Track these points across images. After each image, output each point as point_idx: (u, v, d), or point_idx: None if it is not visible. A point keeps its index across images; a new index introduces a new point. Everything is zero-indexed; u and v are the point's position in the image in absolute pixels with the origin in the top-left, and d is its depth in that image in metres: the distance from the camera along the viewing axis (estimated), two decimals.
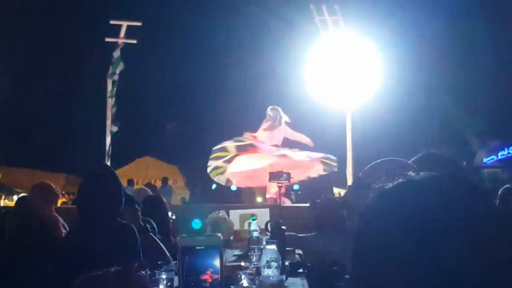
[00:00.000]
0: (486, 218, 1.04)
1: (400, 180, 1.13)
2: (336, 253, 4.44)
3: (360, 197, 1.52)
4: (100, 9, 23.28)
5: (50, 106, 27.67)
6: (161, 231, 5.34)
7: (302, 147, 12.92)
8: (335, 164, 12.82)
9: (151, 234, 4.72)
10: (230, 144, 12.87)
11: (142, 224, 4.77)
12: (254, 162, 12.51)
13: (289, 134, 13.01)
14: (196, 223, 6.20)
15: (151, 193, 7.57)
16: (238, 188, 13.31)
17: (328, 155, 12.86)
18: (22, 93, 24.48)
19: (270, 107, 13.21)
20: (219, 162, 12.85)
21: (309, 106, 16.10)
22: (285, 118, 13.07)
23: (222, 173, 12.85)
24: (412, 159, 2.80)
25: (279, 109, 13.14)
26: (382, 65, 15.01)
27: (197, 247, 3.19)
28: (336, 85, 14.79)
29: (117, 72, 16.02)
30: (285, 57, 19.64)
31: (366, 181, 2.06)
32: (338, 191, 18.38)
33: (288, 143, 12.94)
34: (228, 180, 12.94)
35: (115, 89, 16.07)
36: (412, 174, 1.15)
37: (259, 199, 14.11)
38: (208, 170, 13.02)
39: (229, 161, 12.79)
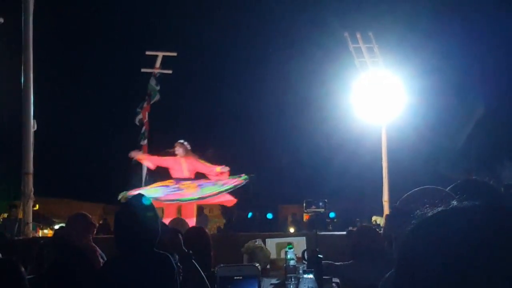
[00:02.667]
0: None
1: (442, 208, 1.11)
2: (373, 282, 4.39)
3: (398, 227, 1.51)
4: (136, 40, 23.61)
5: (87, 136, 28.00)
6: (203, 261, 5.32)
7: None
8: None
9: (193, 261, 4.69)
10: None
11: (186, 250, 4.73)
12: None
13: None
14: None
15: (188, 224, 7.56)
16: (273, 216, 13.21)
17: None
18: (60, 124, 24.83)
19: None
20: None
21: (344, 132, 16.06)
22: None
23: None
24: (451, 186, 2.76)
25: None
26: (418, 90, 14.96)
27: (235, 277, 3.18)
28: (371, 105, 14.77)
29: (151, 102, 16.19)
30: (320, 84, 19.69)
31: (404, 210, 2.03)
32: (375, 219, 18.26)
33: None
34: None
35: (139, 116, 16.21)
36: (455, 202, 1.13)
37: (291, 230, 14.06)
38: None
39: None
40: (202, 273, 4.72)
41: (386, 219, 2.34)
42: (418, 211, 1.16)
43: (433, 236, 1.07)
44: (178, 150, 12.52)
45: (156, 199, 11.64)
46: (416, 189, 2.36)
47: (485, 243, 1.01)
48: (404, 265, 1.10)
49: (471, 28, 21.27)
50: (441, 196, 2.06)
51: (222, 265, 3.63)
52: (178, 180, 12.30)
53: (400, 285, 1.10)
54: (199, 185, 12.30)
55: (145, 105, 16.25)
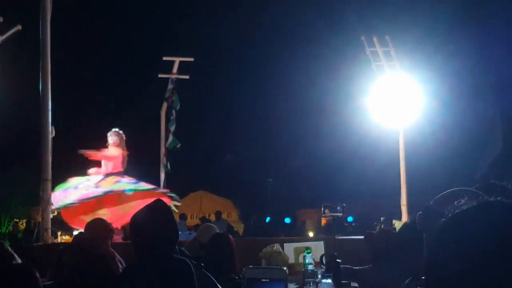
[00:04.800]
0: None
1: (461, 208, 1.12)
2: (392, 286, 4.37)
3: (431, 226, 1.50)
4: (153, 46, 23.69)
5: (105, 143, 28.07)
6: (227, 268, 5.33)
7: None
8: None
9: (204, 270, 4.69)
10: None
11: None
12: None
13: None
14: None
15: (217, 230, 7.57)
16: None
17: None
18: (77, 128, 24.95)
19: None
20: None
21: (362, 136, 16.00)
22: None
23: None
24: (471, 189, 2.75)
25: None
26: (435, 94, 14.90)
27: (262, 280, 3.21)
28: (388, 109, 14.71)
29: (177, 108, 16.26)
30: (337, 88, 19.65)
31: (438, 210, 2.03)
32: (394, 222, 18.17)
33: None
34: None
35: (173, 126, 16.27)
36: (488, 199, 1.14)
37: (310, 234, 13.99)
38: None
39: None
40: (215, 281, 4.72)
41: (418, 219, 2.33)
42: (446, 211, 1.17)
43: (453, 234, 1.08)
44: (114, 138, 12.37)
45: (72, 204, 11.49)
46: (454, 189, 2.37)
47: (505, 240, 1.01)
48: (433, 262, 1.11)
49: (489, 31, 21.14)
50: (471, 197, 2.06)
51: (250, 266, 3.64)
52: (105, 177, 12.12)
53: (431, 281, 1.11)
54: (117, 181, 12.06)
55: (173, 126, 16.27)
